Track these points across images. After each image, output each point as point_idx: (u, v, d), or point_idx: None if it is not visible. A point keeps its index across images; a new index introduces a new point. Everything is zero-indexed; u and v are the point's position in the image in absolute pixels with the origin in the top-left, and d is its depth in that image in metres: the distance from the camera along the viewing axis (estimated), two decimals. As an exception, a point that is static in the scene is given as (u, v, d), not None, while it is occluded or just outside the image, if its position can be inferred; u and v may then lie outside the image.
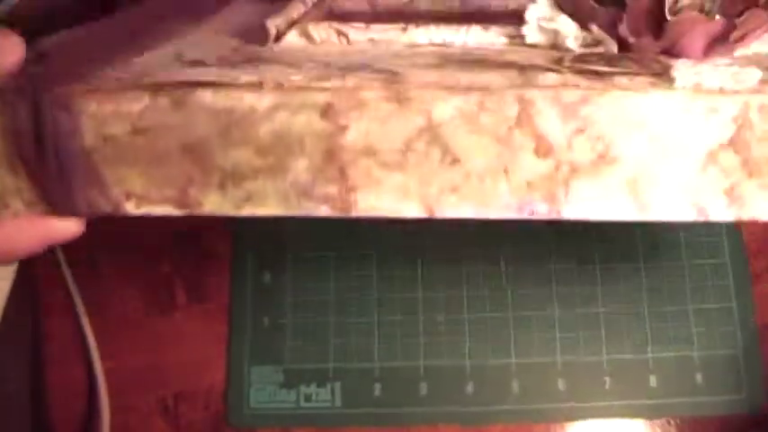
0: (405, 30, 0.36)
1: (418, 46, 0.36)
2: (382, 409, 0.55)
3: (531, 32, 0.35)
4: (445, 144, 0.30)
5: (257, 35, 0.37)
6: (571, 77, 0.30)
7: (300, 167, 0.30)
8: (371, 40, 0.36)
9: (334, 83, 0.29)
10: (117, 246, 0.60)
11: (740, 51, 0.35)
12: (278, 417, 0.55)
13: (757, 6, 0.33)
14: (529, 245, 0.59)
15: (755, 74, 0.31)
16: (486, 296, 0.58)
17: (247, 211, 0.31)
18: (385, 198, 0.30)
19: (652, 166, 0.30)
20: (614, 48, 0.34)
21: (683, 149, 0.30)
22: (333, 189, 0.30)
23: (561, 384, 0.55)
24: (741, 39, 0.34)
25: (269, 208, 0.31)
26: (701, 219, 0.31)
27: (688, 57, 0.33)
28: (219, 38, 0.38)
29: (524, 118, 0.29)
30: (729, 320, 0.57)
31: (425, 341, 0.56)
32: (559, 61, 0.32)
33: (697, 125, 0.30)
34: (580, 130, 0.30)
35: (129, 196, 0.31)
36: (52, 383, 0.57)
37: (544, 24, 0.34)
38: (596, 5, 0.34)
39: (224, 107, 0.30)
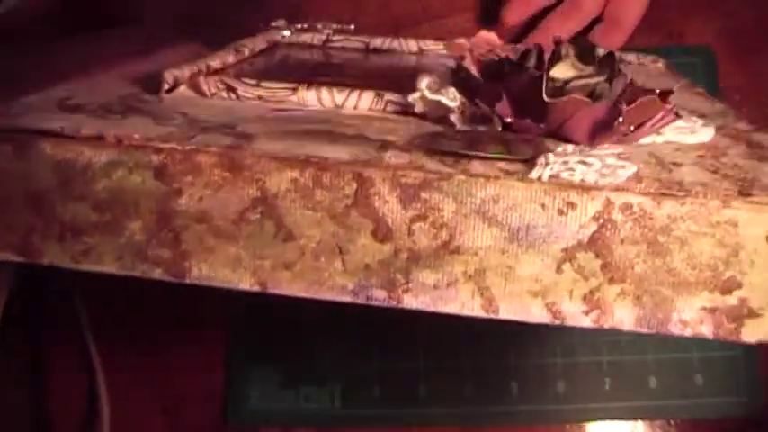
0: (294, 90, 0.35)
1: (306, 107, 0.35)
2: (382, 409, 0.53)
3: (417, 102, 0.33)
4: (279, 218, 0.28)
5: (155, 84, 0.37)
6: (419, 158, 0.28)
7: (135, 228, 0.29)
8: (260, 97, 0.35)
9: (170, 143, 0.28)
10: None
11: (651, 138, 0.33)
12: (278, 417, 0.54)
13: (654, 95, 0.31)
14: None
15: (628, 170, 0.28)
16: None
17: (85, 266, 0.30)
18: (218, 268, 0.29)
19: (500, 261, 0.28)
20: (499, 126, 0.32)
21: (536, 245, 0.27)
22: (166, 253, 0.29)
23: (561, 386, 0.53)
24: (637, 128, 0.31)
25: (105, 265, 0.30)
26: (557, 322, 0.28)
27: (574, 140, 0.31)
28: (119, 83, 0.38)
29: (362, 198, 0.28)
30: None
31: (425, 343, 0.54)
32: (419, 138, 0.30)
33: (552, 220, 0.27)
34: (421, 216, 0.27)
35: None
36: (52, 384, 0.57)
37: (428, 95, 0.32)
38: (481, 80, 0.31)
39: (63, 159, 0.29)
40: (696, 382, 0.52)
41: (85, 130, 0.29)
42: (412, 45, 0.50)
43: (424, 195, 0.27)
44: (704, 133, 0.34)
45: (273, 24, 0.51)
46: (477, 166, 0.28)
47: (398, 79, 0.43)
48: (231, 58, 0.43)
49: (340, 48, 0.50)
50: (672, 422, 0.52)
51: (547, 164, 0.28)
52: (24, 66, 0.39)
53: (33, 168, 0.29)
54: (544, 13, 0.54)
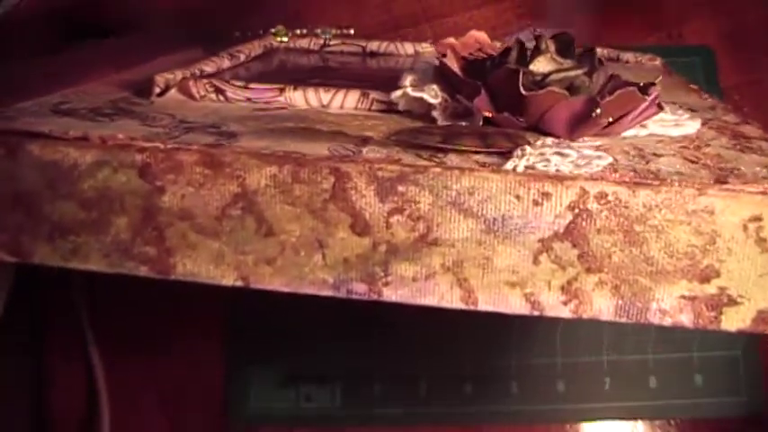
0: (282, 91, 0.35)
1: (293, 106, 0.35)
2: (382, 408, 0.54)
3: (400, 100, 0.34)
4: (260, 213, 0.29)
5: (147, 88, 0.37)
6: (396, 152, 0.28)
7: (121, 225, 0.30)
8: (248, 98, 0.36)
9: (153, 143, 0.29)
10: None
11: (634, 132, 0.33)
12: (278, 416, 0.54)
13: (634, 87, 0.31)
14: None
15: (604, 160, 0.28)
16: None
17: (74, 264, 0.31)
18: (201, 264, 0.30)
19: (477, 252, 0.28)
20: (481, 121, 0.32)
21: (512, 236, 0.28)
22: (151, 250, 0.30)
23: (561, 386, 0.53)
24: (617, 120, 0.31)
25: (93, 263, 0.31)
26: (536, 313, 0.28)
27: (553, 133, 0.31)
28: (114, 89, 0.38)
29: (339, 192, 0.28)
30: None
31: (425, 342, 0.54)
32: (397, 133, 0.30)
33: (528, 211, 0.27)
34: (398, 209, 0.28)
35: None
36: (52, 383, 0.57)
37: (410, 92, 0.33)
38: (461, 76, 0.32)
39: (51, 160, 0.30)
40: (696, 382, 0.52)
41: (72, 132, 0.30)
42: (408, 48, 0.50)
43: (400, 188, 0.28)
44: (689, 126, 0.34)
45: (272, 30, 0.52)
46: (453, 159, 0.28)
47: (391, 80, 0.44)
48: (226, 63, 0.43)
49: (337, 52, 0.51)
50: (672, 422, 0.52)
51: (523, 155, 0.28)
52: (24, 75, 0.40)
53: (22, 169, 0.30)
54: None
